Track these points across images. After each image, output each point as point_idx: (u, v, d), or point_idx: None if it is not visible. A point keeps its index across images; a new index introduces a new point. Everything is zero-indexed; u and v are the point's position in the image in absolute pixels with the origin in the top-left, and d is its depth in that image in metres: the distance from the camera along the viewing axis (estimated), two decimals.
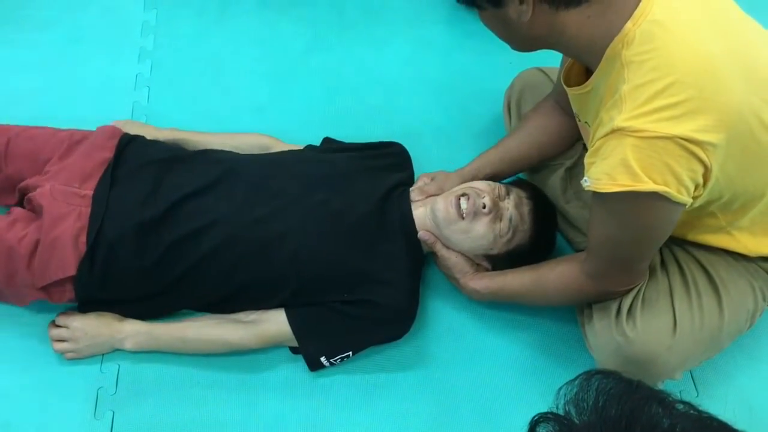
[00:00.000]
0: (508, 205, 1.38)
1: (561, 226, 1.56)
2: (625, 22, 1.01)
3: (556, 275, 1.31)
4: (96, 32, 1.91)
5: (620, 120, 1.00)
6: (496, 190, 1.39)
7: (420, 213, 1.42)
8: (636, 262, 1.23)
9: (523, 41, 1.11)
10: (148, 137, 1.53)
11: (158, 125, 1.67)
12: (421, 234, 1.41)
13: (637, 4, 1.02)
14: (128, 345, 1.36)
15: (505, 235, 1.37)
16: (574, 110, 1.25)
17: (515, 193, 1.41)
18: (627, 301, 1.25)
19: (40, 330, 1.37)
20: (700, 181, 1.04)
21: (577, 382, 0.61)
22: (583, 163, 1.47)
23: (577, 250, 1.51)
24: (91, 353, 1.36)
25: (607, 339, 1.26)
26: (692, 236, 1.29)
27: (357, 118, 1.79)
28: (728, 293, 1.27)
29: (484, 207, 1.34)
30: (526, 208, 1.39)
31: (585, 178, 1.08)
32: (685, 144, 0.98)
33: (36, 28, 1.90)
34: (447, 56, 1.93)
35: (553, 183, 1.53)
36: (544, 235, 1.42)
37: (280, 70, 1.88)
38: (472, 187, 1.38)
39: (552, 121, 1.47)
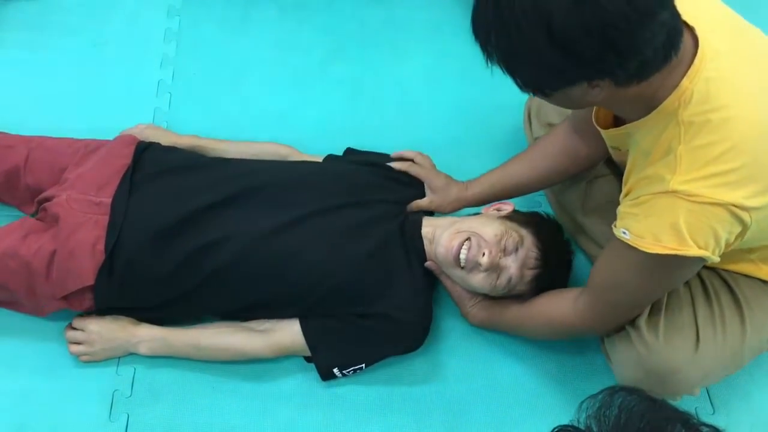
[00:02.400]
0: (512, 264, 1.33)
1: (578, 240, 1.56)
2: (681, 78, 0.99)
3: (544, 316, 1.32)
4: (120, 38, 1.93)
5: (676, 182, 1.00)
6: (503, 242, 1.32)
7: (427, 232, 1.42)
8: (639, 308, 1.23)
9: (575, 107, 1.09)
10: (167, 143, 1.54)
11: (178, 131, 1.69)
12: (428, 264, 1.41)
13: (691, 61, 0.99)
14: (143, 350, 1.37)
15: (502, 290, 1.35)
16: (609, 144, 1.23)
17: (526, 248, 1.33)
18: (645, 311, 1.24)
19: (57, 332, 1.39)
20: (732, 239, 1.04)
21: (600, 397, 0.60)
22: (602, 176, 1.49)
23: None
24: (106, 356, 1.37)
25: (628, 350, 1.25)
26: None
27: (376, 127, 1.79)
28: (751, 310, 1.26)
29: (481, 265, 1.31)
30: (530, 272, 1.34)
31: (623, 229, 1.07)
32: (735, 210, 0.99)
33: (61, 33, 1.92)
34: (467, 68, 1.92)
35: (572, 196, 1.53)
36: (544, 290, 1.36)
37: (300, 79, 1.90)
38: (477, 234, 1.33)
39: (566, 148, 1.43)
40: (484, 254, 1.31)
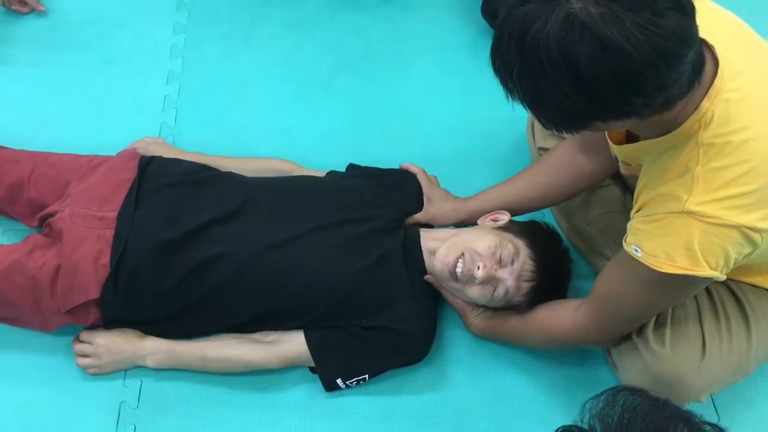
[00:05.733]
0: (508, 276, 1.33)
1: (581, 248, 1.56)
2: (701, 99, 0.98)
3: (544, 326, 1.32)
4: (126, 55, 1.95)
5: (692, 203, 0.99)
6: (498, 254, 1.32)
7: (425, 246, 1.42)
8: (640, 321, 1.23)
9: (595, 133, 1.09)
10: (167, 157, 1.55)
11: (184, 145, 1.71)
12: (427, 278, 1.42)
13: (711, 82, 0.98)
14: (149, 362, 1.38)
15: (499, 301, 1.35)
16: (621, 158, 1.22)
17: (521, 260, 1.33)
18: (652, 320, 1.25)
19: (64, 345, 1.40)
20: (740, 259, 1.05)
21: (603, 397, 0.61)
22: (606, 186, 1.50)
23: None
24: (113, 369, 1.38)
25: (635, 359, 1.25)
26: None
27: (379, 140, 1.81)
28: (756, 318, 1.26)
29: (476, 278, 1.31)
30: (526, 284, 1.34)
31: (635, 247, 1.06)
32: (748, 232, 0.99)
33: (69, 50, 1.95)
34: (470, 81, 1.94)
35: (575, 204, 1.53)
36: (542, 301, 1.35)
37: (304, 93, 1.91)
38: (471, 249, 1.33)
39: (569, 165, 1.42)
40: (478, 267, 1.31)
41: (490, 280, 1.32)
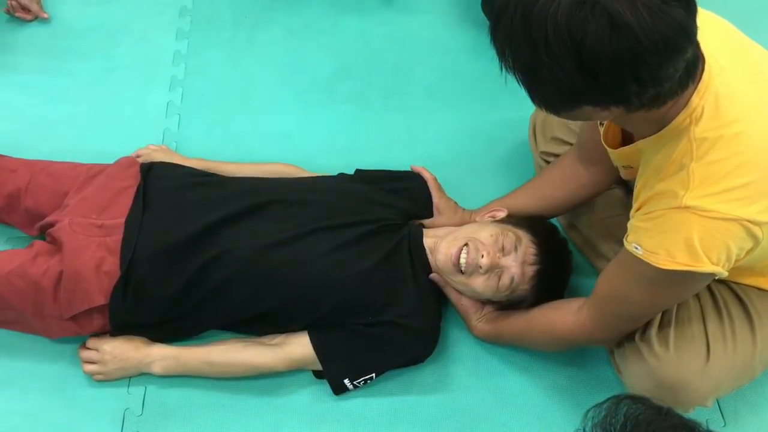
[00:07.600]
0: (513, 263, 1.34)
1: (584, 251, 1.56)
2: (690, 95, 0.99)
3: (547, 325, 1.32)
4: (130, 62, 1.96)
5: (689, 198, 0.99)
6: (501, 242, 1.34)
7: (428, 243, 1.43)
8: (643, 319, 1.23)
9: (581, 120, 1.10)
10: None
11: (187, 151, 1.72)
12: (432, 276, 1.42)
13: (700, 77, 0.99)
14: (156, 369, 1.38)
15: (505, 291, 1.36)
16: (619, 163, 1.23)
17: (524, 246, 1.35)
18: (655, 323, 1.25)
19: (71, 352, 1.40)
20: (743, 255, 1.04)
21: (605, 405, 0.61)
22: (607, 192, 1.49)
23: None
24: (119, 376, 1.38)
25: (639, 363, 1.25)
26: None
27: (382, 145, 1.81)
28: (761, 319, 1.26)
29: (481, 267, 1.33)
30: (531, 269, 1.35)
31: (635, 244, 1.06)
32: (749, 226, 0.99)
33: (72, 58, 1.95)
34: (472, 84, 1.94)
35: (579, 208, 1.53)
36: (548, 292, 1.37)
37: (306, 98, 1.91)
38: (474, 239, 1.35)
39: (570, 176, 1.44)
40: (483, 256, 1.32)
41: (495, 268, 1.33)
